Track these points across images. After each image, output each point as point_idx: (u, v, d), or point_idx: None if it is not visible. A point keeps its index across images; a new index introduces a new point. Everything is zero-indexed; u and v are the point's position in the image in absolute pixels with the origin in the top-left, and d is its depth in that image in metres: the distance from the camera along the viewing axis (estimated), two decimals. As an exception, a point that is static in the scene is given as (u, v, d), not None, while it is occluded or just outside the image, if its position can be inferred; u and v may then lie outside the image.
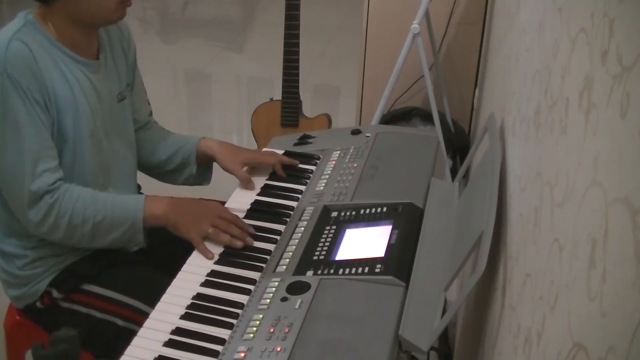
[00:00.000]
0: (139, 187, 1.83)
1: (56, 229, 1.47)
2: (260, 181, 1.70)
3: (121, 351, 1.19)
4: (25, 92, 1.40)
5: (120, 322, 1.54)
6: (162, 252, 1.64)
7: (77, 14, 1.48)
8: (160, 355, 1.17)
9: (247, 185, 1.66)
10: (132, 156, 1.73)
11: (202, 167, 1.79)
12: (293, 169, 1.73)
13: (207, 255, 1.42)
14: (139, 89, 1.77)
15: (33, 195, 1.44)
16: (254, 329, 1.19)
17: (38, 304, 1.60)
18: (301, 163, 1.75)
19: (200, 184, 1.83)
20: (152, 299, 1.31)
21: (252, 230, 1.47)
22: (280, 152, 1.81)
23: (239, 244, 1.44)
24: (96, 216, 1.48)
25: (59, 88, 1.47)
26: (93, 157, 1.56)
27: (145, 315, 1.28)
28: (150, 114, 1.85)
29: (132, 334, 1.24)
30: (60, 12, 1.48)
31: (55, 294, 1.58)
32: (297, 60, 2.61)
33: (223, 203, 1.63)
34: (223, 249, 1.44)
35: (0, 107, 1.41)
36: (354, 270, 1.28)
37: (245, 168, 1.72)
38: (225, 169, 1.72)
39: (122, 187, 1.68)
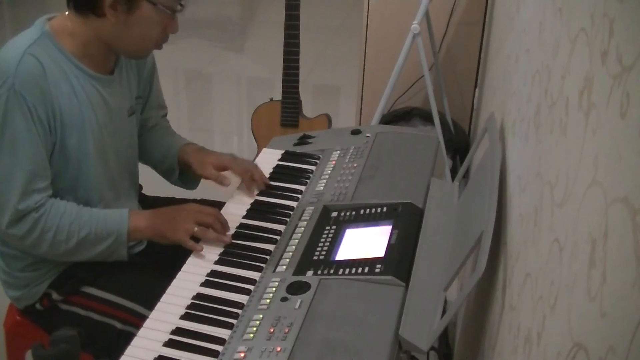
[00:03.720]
0: (140, 187, 1.83)
1: (40, 243, 1.46)
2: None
3: (120, 354, 1.18)
4: (30, 109, 1.39)
5: (118, 325, 1.54)
6: (162, 254, 1.64)
7: (114, 38, 1.48)
8: (160, 355, 1.17)
9: (221, 182, 1.65)
10: (137, 167, 1.75)
11: (187, 173, 1.78)
12: (293, 169, 1.73)
13: (197, 248, 1.44)
14: (156, 95, 1.78)
15: (19, 212, 1.43)
16: (254, 329, 1.19)
17: (37, 306, 1.60)
18: (301, 163, 1.75)
19: (187, 188, 1.83)
20: (151, 302, 1.31)
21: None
22: (280, 152, 1.81)
23: (226, 239, 1.45)
24: (81, 231, 1.47)
25: (67, 106, 1.46)
26: (99, 172, 1.56)
27: (144, 318, 1.28)
28: (164, 115, 1.86)
29: (130, 336, 1.23)
30: (95, 29, 1.46)
31: (55, 295, 1.58)
32: (297, 60, 2.61)
33: (223, 203, 1.63)
34: (223, 249, 1.45)
35: (1, 121, 1.39)
36: (354, 270, 1.28)
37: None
38: (200, 176, 1.73)
39: (127, 197, 1.69)
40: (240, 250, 1.44)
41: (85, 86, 1.49)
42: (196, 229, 1.47)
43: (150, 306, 1.30)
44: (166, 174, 1.82)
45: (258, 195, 1.64)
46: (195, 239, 1.47)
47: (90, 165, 1.53)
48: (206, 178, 1.71)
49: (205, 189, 1.89)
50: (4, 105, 1.38)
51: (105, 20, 1.44)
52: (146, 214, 1.55)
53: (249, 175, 1.66)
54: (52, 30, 1.46)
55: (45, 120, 1.42)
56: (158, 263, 1.66)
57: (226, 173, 1.70)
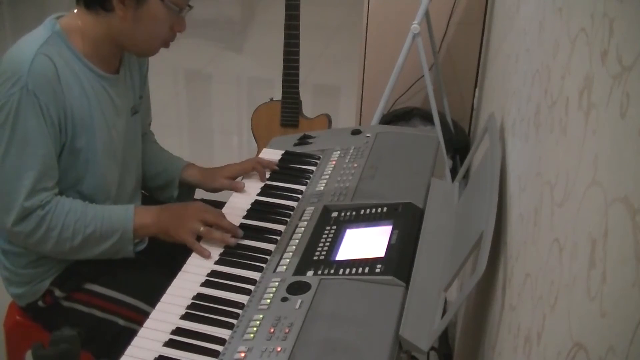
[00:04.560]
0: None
1: (45, 241, 1.47)
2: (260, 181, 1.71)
3: (122, 351, 1.19)
4: (43, 109, 1.39)
5: (121, 321, 1.54)
6: (164, 251, 1.64)
7: (122, 34, 1.48)
8: (160, 355, 1.17)
9: (235, 188, 1.68)
10: (140, 165, 1.75)
11: (184, 190, 1.80)
12: (293, 169, 1.73)
13: (204, 254, 1.43)
14: (145, 99, 1.78)
15: (25, 210, 1.43)
16: (254, 329, 1.19)
17: (40, 303, 1.60)
18: (301, 163, 1.75)
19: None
20: (154, 299, 1.31)
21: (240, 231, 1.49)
22: (280, 152, 1.81)
23: (232, 240, 1.45)
24: (86, 229, 1.47)
25: (77, 105, 1.46)
26: (105, 171, 1.56)
27: (147, 315, 1.29)
28: (150, 123, 1.86)
29: (133, 333, 1.24)
30: (103, 26, 1.47)
31: (57, 292, 1.58)
32: (297, 60, 2.61)
33: (223, 203, 1.63)
34: (223, 249, 1.45)
35: (13, 119, 1.39)
36: (354, 270, 1.28)
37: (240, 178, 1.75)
38: (212, 191, 1.77)
39: (132, 196, 1.69)
40: (240, 250, 1.44)
41: (94, 86, 1.50)
42: (202, 228, 1.47)
43: (153, 303, 1.30)
44: (155, 190, 1.81)
45: (258, 195, 1.64)
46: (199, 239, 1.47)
47: (98, 164, 1.53)
48: (220, 190, 1.74)
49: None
50: (16, 104, 1.38)
51: (114, 15, 1.45)
52: (152, 211, 1.55)
53: (259, 165, 1.72)
54: (62, 29, 1.47)
55: (57, 120, 1.43)
56: (160, 261, 1.66)
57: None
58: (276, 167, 1.73)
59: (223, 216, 1.51)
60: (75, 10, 1.50)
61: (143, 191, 1.83)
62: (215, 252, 1.44)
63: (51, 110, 1.41)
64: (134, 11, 1.44)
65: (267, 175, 1.72)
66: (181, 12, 1.51)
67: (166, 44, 1.56)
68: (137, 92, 1.68)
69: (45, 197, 1.45)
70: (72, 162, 1.50)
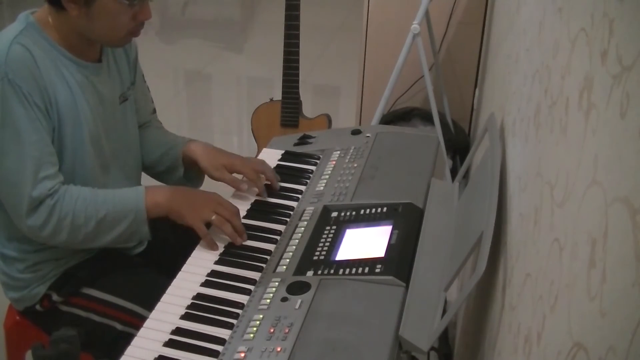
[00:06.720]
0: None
1: (59, 231, 1.44)
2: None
3: (119, 355, 1.18)
4: (27, 97, 1.39)
5: (119, 326, 1.54)
6: (163, 254, 1.64)
7: (84, 29, 1.47)
8: (160, 355, 1.17)
9: (238, 187, 1.62)
10: (135, 157, 1.71)
11: (191, 171, 1.75)
12: (293, 169, 1.73)
13: (213, 248, 1.43)
14: (140, 87, 1.74)
15: (34, 201, 1.42)
16: (254, 329, 1.19)
17: (38, 307, 1.60)
18: (301, 163, 1.75)
19: (192, 186, 1.76)
20: (152, 303, 1.30)
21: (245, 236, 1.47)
22: (280, 152, 1.81)
23: (239, 240, 1.44)
24: (98, 213, 1.45)
25: (60, 93, 1.45)
26: (93, 160, 1.55)
27: (144, 319, 1.28)
28: (154, 111, 1.83)
29: (130, 338, 1.23)
30: (68, 21, 1.46)
31: (55, 297, 1.58)
32: (297, 60, 2.61)
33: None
34: (223, 249, 1.45)
35: (0, 112, 1.39)
36: (354, 270, 1.28)
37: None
38: (211, 177, 1.68)
39: (122, 187, 1.67)
40: (240, 250, 1.44)
41: (75, 75, 1.49)
42: (214, 217, 1.46)
43: (150, 307, 1.29)
44: (163, 174, 1.77)
45: (258, 195, 1.64)
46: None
47: (86, 153, 1.52)
48: (218, 180, 1.66)
49: (206, 187, 1.88)
50: (0, 97, 1.38)
51: (69, 13, 1.43)
52: (164, 190, 1.53)
53: (260, 177, 1.63)
54: (36, 21, 1.46)
55: (43, 106, 1.41)
56: (158, 263, 1.65)
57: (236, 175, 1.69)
58: (277, 187, 1.64)
59: (237, 214, 1.49)
60: (45, 6, 1.48)
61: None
62: (215, 252, 1.44)
63: (35, 97, 1.40)
64: (87, 9, 1.42)
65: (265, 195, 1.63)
66: (135, 3, 1.44)
67: (134, 33, 1.52)
68: (125, 80, 1.65)
69: (52, 186, 1.43)
70: (61, 152, 1.48)
